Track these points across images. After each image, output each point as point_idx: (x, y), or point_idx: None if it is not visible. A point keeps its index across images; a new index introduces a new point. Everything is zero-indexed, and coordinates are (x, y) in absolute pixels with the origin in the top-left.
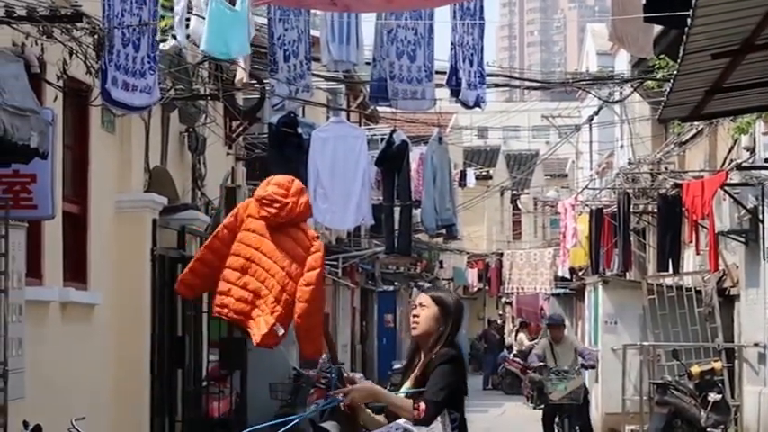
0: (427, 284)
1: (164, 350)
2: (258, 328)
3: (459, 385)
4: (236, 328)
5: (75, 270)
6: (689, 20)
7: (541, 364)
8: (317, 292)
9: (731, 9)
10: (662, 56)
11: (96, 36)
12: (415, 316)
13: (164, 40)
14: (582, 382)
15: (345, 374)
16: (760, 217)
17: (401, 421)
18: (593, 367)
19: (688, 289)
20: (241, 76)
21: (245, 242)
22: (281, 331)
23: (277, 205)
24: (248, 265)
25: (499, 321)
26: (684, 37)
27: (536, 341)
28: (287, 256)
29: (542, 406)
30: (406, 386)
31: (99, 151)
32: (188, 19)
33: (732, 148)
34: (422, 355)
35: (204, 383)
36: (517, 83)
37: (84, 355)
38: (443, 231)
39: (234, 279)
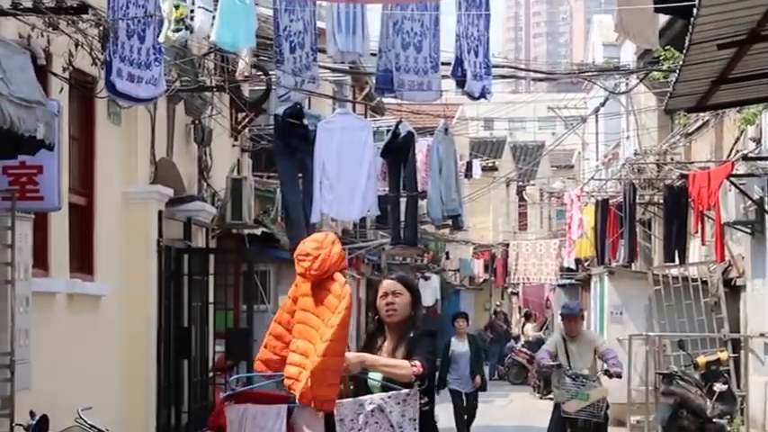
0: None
1: (170, 341)
2: (298, 384)
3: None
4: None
5: (82, 261)
6: (695, 10)
7: (554, 363)
8: (339, 334)
9: None
10: (667, 47)
11: (102, 27)
12: (390, 304)
13: (177, 30)
14: (605, 394)
15: None
16: (766, 208)
17: (375, 396)
18: (618, 376)
19: (694, 279)
20: (243, 67)
21: (300, 307)
22: None
23: (310, 257)
24: (303, 328)
25: (497, 309)
26: (690, 27)
27: (541, 332)
28: (327, 309)
29: (549, 396)
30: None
31: (105, 143)
32: (192, 11)
33: (738, 138)
34: (388, 338)
35: (210, 374)
36: (523, 74)
37: (91, 346)
38: (449, 222)
39: (291, 345)
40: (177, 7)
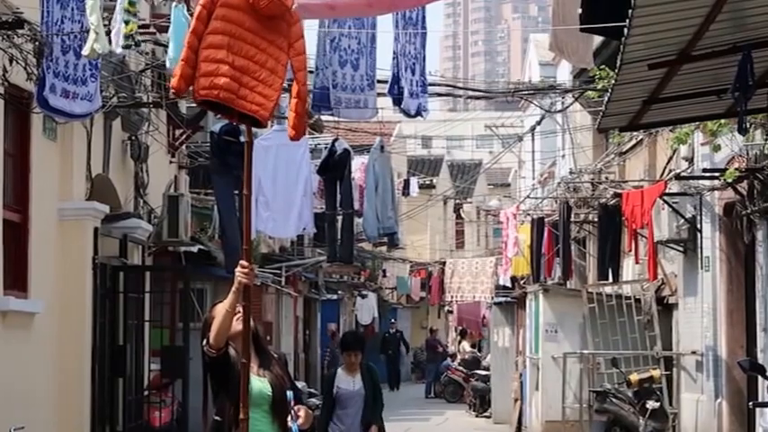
0: None
1: (105, 359)
2: (257, 104)
3: None
4: (222, 109)
5: (16, 278)
6: (625, 30)
7: None
8: (305, 62)
9: (668, 20)
10: (602, 66)
11: (37, 43)
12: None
13: (127, 46)
14: None
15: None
16: (698, 226)
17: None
18: None
19: (627, 297)
20: None
21: (227, 19)
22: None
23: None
24: (233, 42)
25: (433, 328)
26: (621, 47)
27: (475, 350)
28: (272, 30)
29: (484, 414)
30: (266, 379)
31: (40, 159)
32: (141, 26)
33: (671, 158)
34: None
35: (145, 392)
36: (461, 92)
37: (24, 364)
38: (385, 240)
39: (221, 57)
40: (127, 23)
